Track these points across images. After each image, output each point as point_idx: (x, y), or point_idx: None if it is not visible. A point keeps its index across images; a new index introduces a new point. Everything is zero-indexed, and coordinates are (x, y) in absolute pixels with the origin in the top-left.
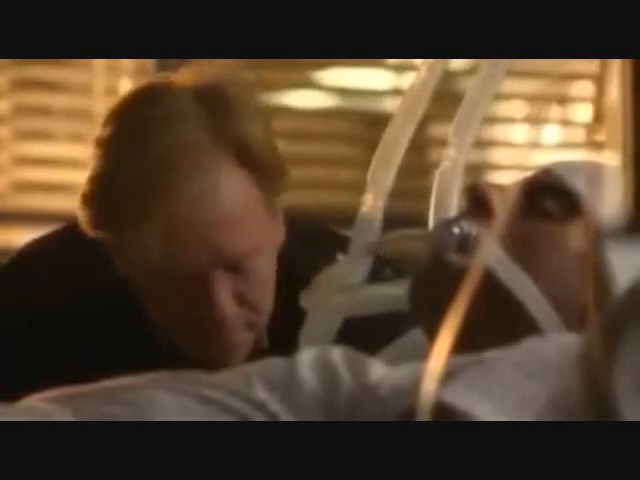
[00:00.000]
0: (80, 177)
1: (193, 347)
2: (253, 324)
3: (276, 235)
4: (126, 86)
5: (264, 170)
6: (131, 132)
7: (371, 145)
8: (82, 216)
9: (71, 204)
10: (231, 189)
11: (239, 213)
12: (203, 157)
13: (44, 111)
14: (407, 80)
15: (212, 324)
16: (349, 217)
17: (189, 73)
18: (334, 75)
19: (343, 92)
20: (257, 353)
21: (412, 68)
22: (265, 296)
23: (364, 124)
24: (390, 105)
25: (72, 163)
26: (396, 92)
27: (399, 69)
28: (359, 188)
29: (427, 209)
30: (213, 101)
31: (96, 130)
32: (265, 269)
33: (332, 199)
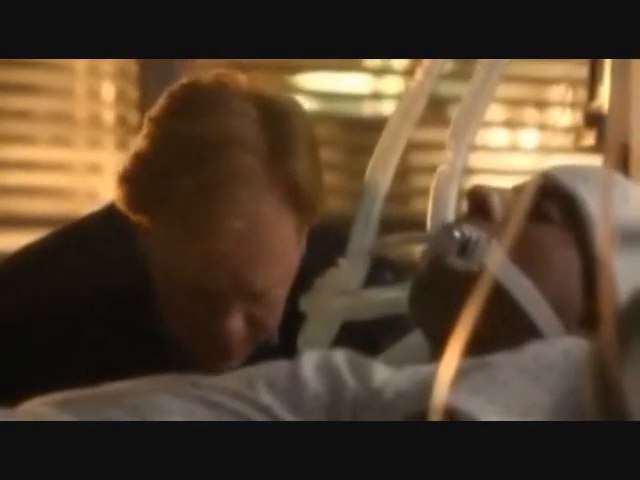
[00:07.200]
0: (61, 181)
1: (197, 350)
2: (259, 339)
3: (298, 261)
4: (108, 89)
5: (307, 207)
6: (188, 145)
7: (350, 149)
8: (119, 197)
9: (52, 208)
10: (274, 227)
11: (276, 251)
12: (253, 189)
13: (24, 114)
14: (386, 84)
15: (218, 339)
16: (327, 221)
17: (246, 81)
18: (313, 79)
19: (322, 96)
20: (268, 351)
21: (391, 72)
22: (276, 316)
23: (343, 128)
24: (369, 109)
25: (53, 167)
26: (375, 96)
27: (378, 73)
28: (338, 192)
29: (421, 212)
30: (277, 130)
31: (77, 133)
32: (282, 294)
33: None
